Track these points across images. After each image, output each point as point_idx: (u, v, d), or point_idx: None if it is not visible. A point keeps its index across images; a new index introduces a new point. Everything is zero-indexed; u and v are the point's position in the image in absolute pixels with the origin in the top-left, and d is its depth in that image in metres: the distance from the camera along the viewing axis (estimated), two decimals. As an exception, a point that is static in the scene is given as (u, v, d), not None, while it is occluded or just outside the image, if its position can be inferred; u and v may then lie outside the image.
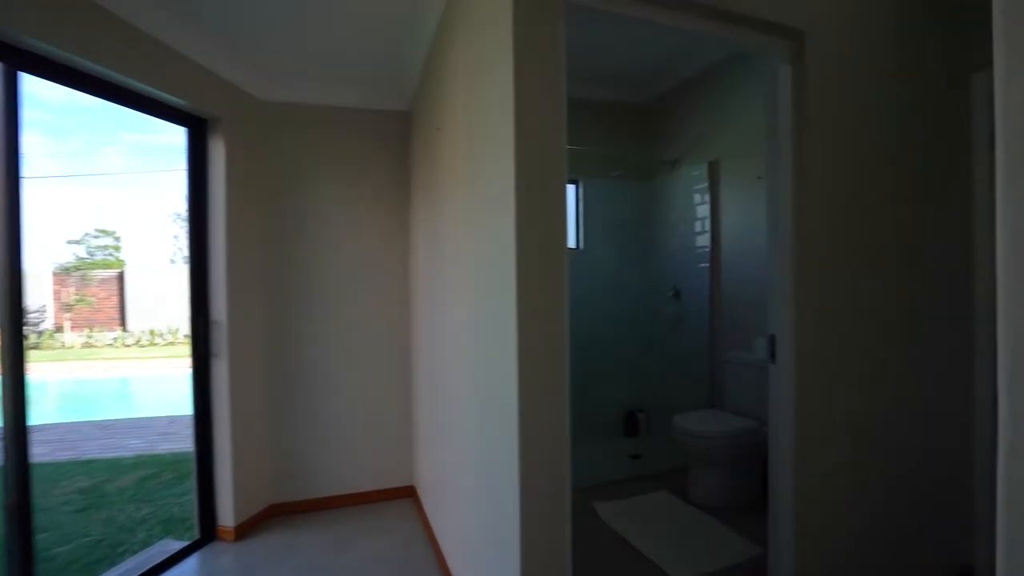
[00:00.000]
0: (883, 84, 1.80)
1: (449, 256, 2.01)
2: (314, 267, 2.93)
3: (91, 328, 12.28)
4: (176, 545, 2.48)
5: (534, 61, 1.30)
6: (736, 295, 3.12)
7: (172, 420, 5.93)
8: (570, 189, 3.86)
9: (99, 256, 15.69)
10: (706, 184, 3.32)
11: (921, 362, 1.90)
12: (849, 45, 1.73)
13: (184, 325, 10.86)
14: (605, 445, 3.69)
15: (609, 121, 3.90)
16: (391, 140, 3.07)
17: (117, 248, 16.10)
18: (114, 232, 16.09)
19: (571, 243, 3.84)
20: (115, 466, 4.26)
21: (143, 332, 12.39)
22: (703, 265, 3.37)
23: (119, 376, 9.17)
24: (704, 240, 3.36)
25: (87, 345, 11.79)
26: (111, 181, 19.21)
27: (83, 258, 15.43)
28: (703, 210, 3.37)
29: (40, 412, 6.38)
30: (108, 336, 12.21)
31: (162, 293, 12.71)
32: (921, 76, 1.90)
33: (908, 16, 1.87)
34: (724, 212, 3.22)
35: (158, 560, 2.31)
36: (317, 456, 2.94)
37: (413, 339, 3.00)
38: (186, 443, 4.40)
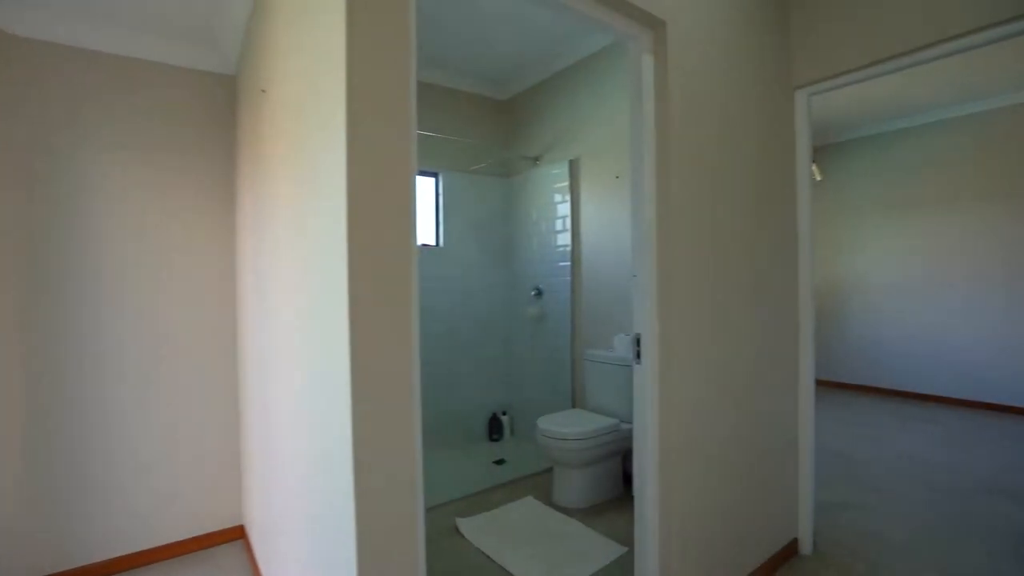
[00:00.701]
0: (733, 86, 1.86)
1: (275, 249, 1.64)
2: (98, 264, 2.25)
3: None
4: None
5: (373, 13, 1.03)
6: (596, 294, 3.15)
7: None
8: (429, 182, 3.61)
9: None
10: (567, 183, 3.32)
11: (762, 354, 2.01)
12: (705, 43, 1.75)
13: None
14: (468, 452, 3.51)
15: (472, 114, 3.73)
16: (213, 107, 2.50)
17: None
18: None
19: (430, 239, 3.60)
20: None
21: None
22: (564, 264, 3.36)
23: None
24: (565, 239, 3.36)
25: None
26: None
27: None
28: (564, 208, 3.36)
29: None
30: None
31: None
32: (763, 85, 2.02)
33: (751, 28, 1.97)
34: (584, 211, 3.24)
35: None
36: (101, 509, 2.26)
37: (241, 352, 2.49)
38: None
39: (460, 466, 3.27)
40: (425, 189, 3.59)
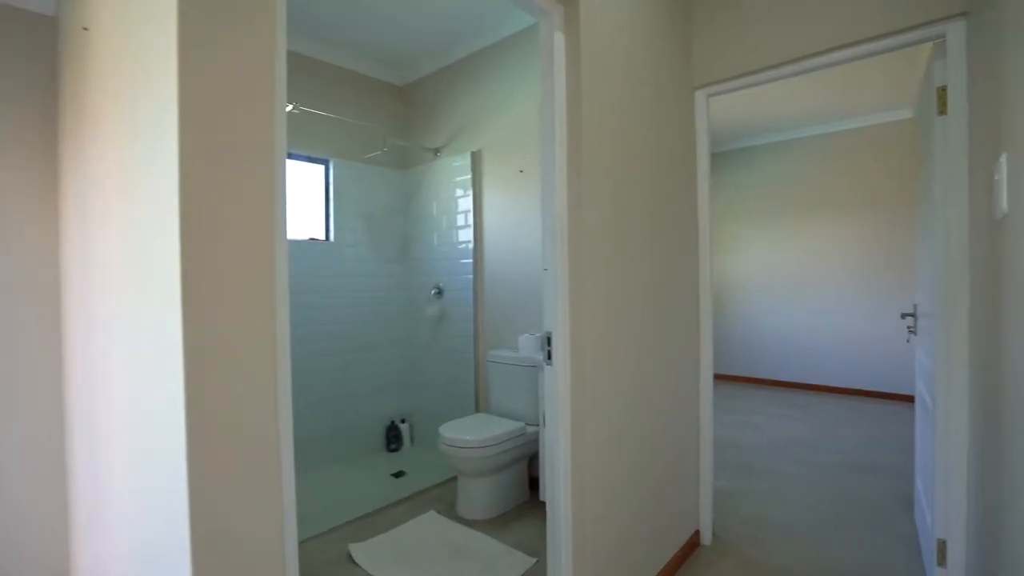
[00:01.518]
0: (641, 77, 1.82)
1: (101, 239, 1.28)
2: None
3: None
4: None
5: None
6: (500, 293, 3.03)
7: None
8: (317, 170, 3.25)
9: None
10: (469, 176, 3.16)
11: (669, 349, 2.00)
12: (616, 27, 1.68)
13: None
14: (363, 466, 3.21)
15: (369, 98, 3.43)
16: (27, 51, 1.97)
17: None
18: None
19: (318, 233, 3.24)
20: None
21: None
22: (466, 261, 3.19)
23: None
24: (467, 234, 3.19)
25: None
26: None
27: None
28: (465, 203, 3.20)
29: None
30: None
31: None
32: (667, 80, 2.01)
33: (658, 22, 1.95)
34: (487, 206, 3.10)
35: None
36: None
37: (68, 368, 1.99)
38: None
39: (354, 483, 2.97)
40: (312, 178, 3.23)
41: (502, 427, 2.55)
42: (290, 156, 3.07)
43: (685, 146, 2.18)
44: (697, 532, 2.23)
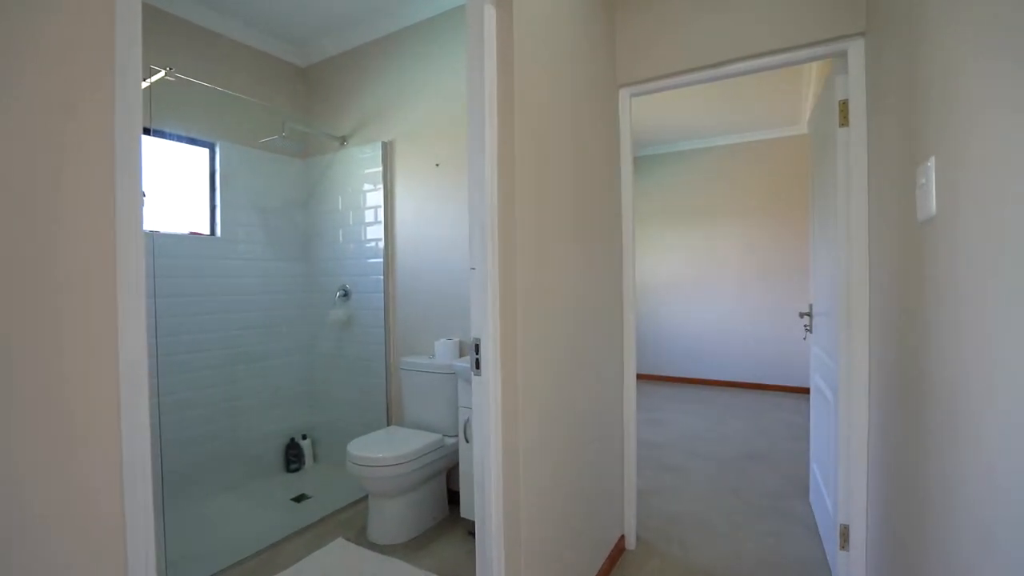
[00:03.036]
0: (570, 68, 1.74)
1: None
2: None
3: None
4: None
5: None
6: (414, 295, 2.82)
7: None
8: (200, 153, 2.83)
9: None
10: (379, 168, 2.92)
11: (597, 351, 1.95)
12: (548, 8, 1.58)
13: None
14: (259, 491, 2.84)
15: (265, 77, 3.05)
16: None
17: None
18: None
19: (202, 227, 2.83)
20: None
21: None
22: (375, 260, 2.95)
23: None
24: (376, 232, 2.95)
25: None
26: None
27: None
28: (375, 197, 2.95)
29: None
30: None
31: None
32: (595, 74, 1.95)
33: (587, 15, 1.88)
34: (400, 201, 2.88)
35: None
36: None
37: None
38: None
39: (248, 513, 2.60)
40: (193, 162, 2.80)
41: (418, 440, 2.36)
42: (162, 135, 2.63)
43: (609, 145, 2.14)
44: (623, 537, 2.20)
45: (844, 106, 1.82)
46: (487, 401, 1.39)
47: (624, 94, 2.20)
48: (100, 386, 0.67)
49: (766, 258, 5.29)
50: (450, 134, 2.66)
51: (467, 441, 2.30)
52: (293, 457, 3.13)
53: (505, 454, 1.43)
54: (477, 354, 1.40)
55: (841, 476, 1.82)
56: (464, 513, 2.32)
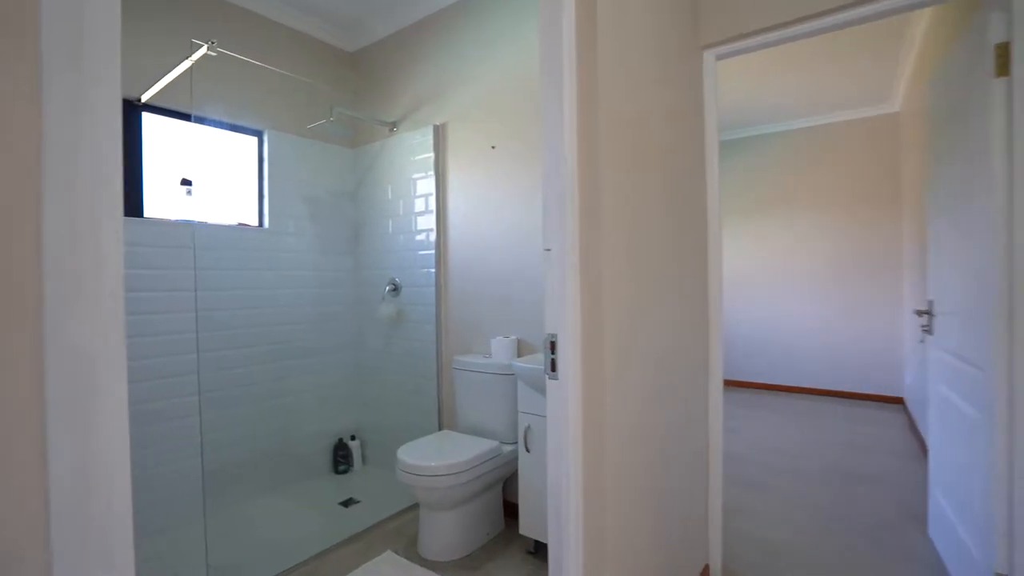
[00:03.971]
0: (650, 27, 1.47)
1: None
2: None
3: None
4: None
5: None
6: (469, 289, 2.62)
7: None
8: (249, 142, 2.73)
9: None
10: (431, 154, 2.73)
11: (684, 353, 1.67)
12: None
13: None
14: (306, 493, 2.71)
15: (313, 63, 2.93)
16: None
17: None
18: None
19: (250, 218, 2.73)
20: None
21: None
22: (427, 252, 2.76)
23: None
24: (428, 221, 2.76)
25: None
26: None
27: None
28: (426, 185, 2.77)
29: None
30: None
31: None
32: (677, 36, 1.67)
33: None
34: (453, 188, 2.68)
35: None
36: None
37: None
38: None
39: (294, 516, 2.47)
40: (241, 150, 2.70)
41: (473, 448, 2.14)
42: (203, 121, 2.54)
43: (694, 116, 1.85)
44: (707, 567, 1.91)
45: (1003, 50, 1.46)
46: (565, 410, 1.15)
47: (708, 57, 1.90)
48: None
49: (851, 251, 4.73)
50: (507, 113, 2.43)
51: (527, 451, 2.07)
52: (341, 458, 3.00)
53: (587, 474, 1.18)
54: (552, 353, 1.16)
55: (998, 514, 1.46)
56: (524, 530, 2.09)
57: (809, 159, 4.94)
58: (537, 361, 2.09)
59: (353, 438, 3.08)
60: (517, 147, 2.40)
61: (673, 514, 1.60)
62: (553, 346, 1.16)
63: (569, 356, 1.14)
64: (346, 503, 2.62)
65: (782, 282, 5.12)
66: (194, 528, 2.27)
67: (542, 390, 2.02)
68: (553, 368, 1.16)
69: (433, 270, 2.72)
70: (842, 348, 4.79)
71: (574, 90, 1.16)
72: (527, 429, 2.07)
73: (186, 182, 2.43)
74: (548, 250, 1.16)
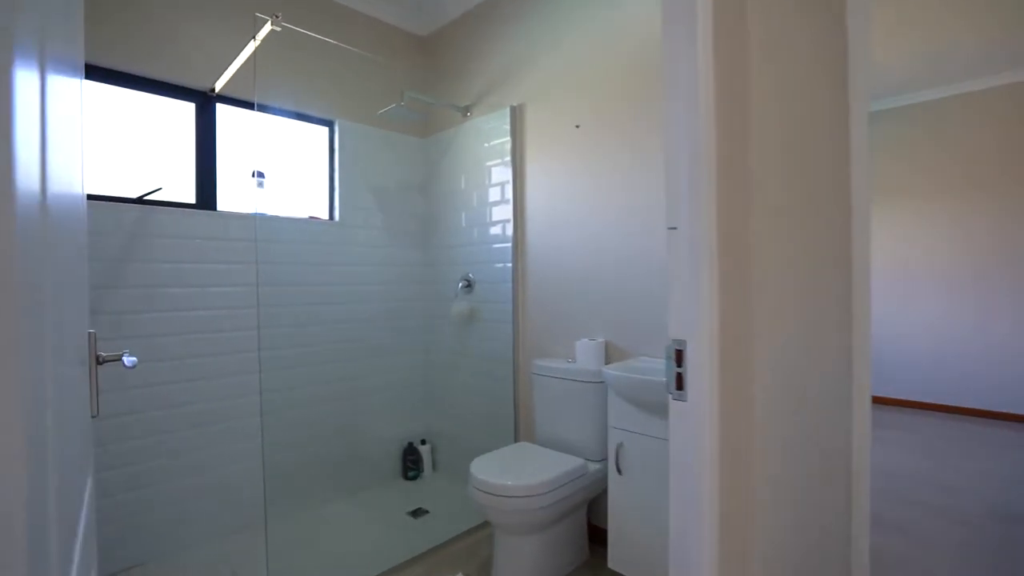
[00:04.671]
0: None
1: None
2: None
3: None
4: None
5: None
6: (549, 285, 2.36)
7: None
8: (320, 132, 2.63)
9: None
10: (507, 138, 2.50)
11: (829, 362, 1.31)
12: None
13: None
14: (375, 500, 2.58)
15: (383, 49, 2.80)
16: None
17: None
18: None
19: (321, 211, 2.63)
20: None
21: None
22: (502, 246, 2.53)
23: None
24: (504, 211, 2.53)
25: None
26: None
27: None
28: (501, 173, 2.54)
29: None
30: None
31: None
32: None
33: None
34: (531, 174, 2.43)
35: None
36: None
37: None
38: None
39: (360, 526, 2.34)
40: (315, 141, 2.62)
41: (555, 466, 1.88)
42: (277, 111, 2.45)
43: (831, 70, 1.48)
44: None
45: None
46: (696, 439, 0.85)
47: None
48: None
49: (1014, 246, 3.88)
50: (593, 88, 2.15)
51: (619, 472, 1.78)
52: (411, 463, 2.85)
53: (724, 521, 0.88)
54: (679, 366, 0.87)
55: None
56: (613, 563, 1.81)
57: (968, 132, 4.09)
58: (632, 369, 1.80)
59: (424, 442, 2.92)
60: (604, 125, 2.11)
61: (816, 565, 1.25)
62: (680, 356, 0.87)
63: (704, 370, 0.84)
64: (415, 513, 2.45)
65: (926, 279, 4.27)
66: (257, 533, 2.18)
67: (638, 403, 1.72)
68: (679, 385, 0.87)
69: (509, 264, 2.48)
70: (1010, 361, 3.91)
71: (709, 24, 0.86)
72: (619, 447, 1.78)
73: (258, 174, 2.36)
74: (673, 229, 0.87)
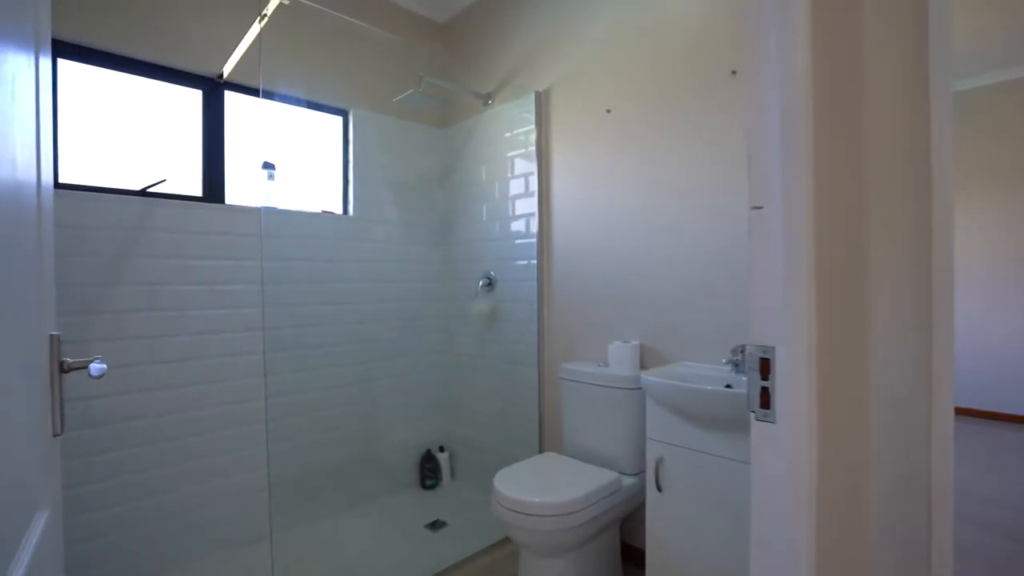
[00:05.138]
0: None
1: None
2: None
3: None
4: None
5: None
6: (577, 284, 2.19)
7: None
8: (334, 122, 2.50)
9: None
10: (532, 126, 2.33)
11: (907, 389, 1.12)
12: None
13: None
14: (391, 510, 2.44)
15: (401, 36, 2.66)
16: None
17: None
18: None
19: (334, 205, 2.50)
20: None
21: None
22: (526, 241, 2.37)
23: None
24: (528, 205, 2.37)
25: None
26: None
27: None
28: (525, 164, 2.38)
29: None
30: None
31: None
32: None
33: None
34: (557, 163, 2.27)
35: None
36: None
37: None
38: None
39: (376, 537, 2.19)
40: (328, 132, 2.48)
41: (587, 480, 1.71)
42: (287, 99, 2.32)
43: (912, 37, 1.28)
44: None
45: None
46: (788, 473, 0.68)
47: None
48: None
49: None
50: (626, 70, 1.98)
51: (659, 490, 1.60)
52: (429, 471, 2.70)
53: (823, 565, 0.70)
54: (765, 379, 0.69)
55: None
56: (650, 589, 1.63)
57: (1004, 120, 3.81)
58: (674, 375, 1.62)
59: (442, 449, 2.77)
60: (637, 109, 1.94)
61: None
62: (766, 367, 0.69)
63: (799, 385, 0.67)
64: (433, 525, 2.30)
65: (1004, 275, 3.83)
66: (264, 546, 2.05)
67: (684, 414, 1.54)
68: (765, 403, 0.70)
69: (534, 261, 2.32)
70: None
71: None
72: (659, 462, 1.60)
73: (268, 165, 2.23)
74: (758, 208, 0.70)
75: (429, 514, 2.39)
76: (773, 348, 0.68)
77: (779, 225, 0.68)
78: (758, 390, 0.70)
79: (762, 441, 0.70)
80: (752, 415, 0.71)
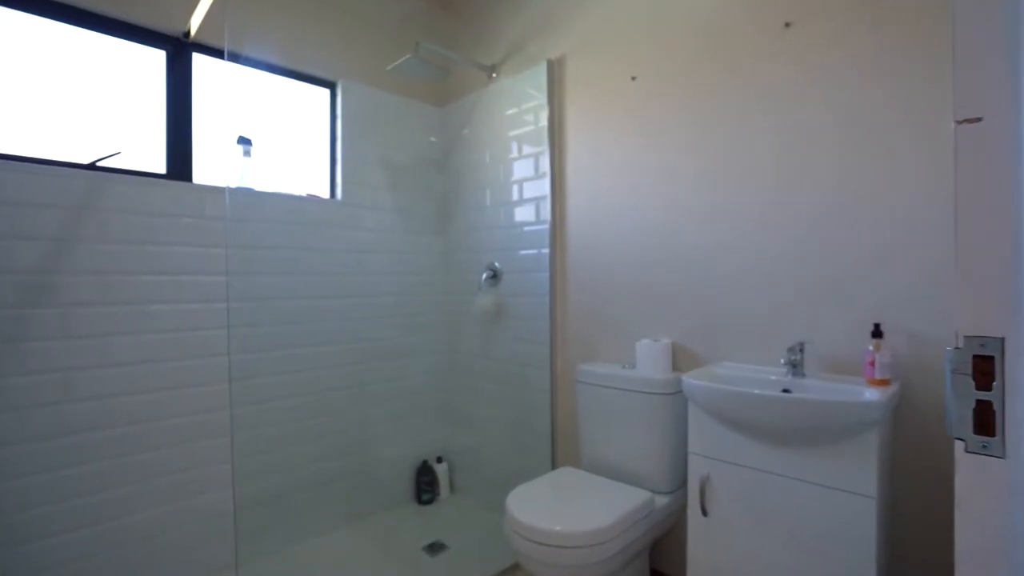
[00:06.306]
0: None
1: None
2: None
3: None
4: None
5: None
6: (594, 273, 1.94)
7: None
8: (321, 94, 2.24)
9: None
10: (543, 99, 2.08)
11: None
12: None
13: None
14: (383, 530, 2.17)
15: (391, 5, 2.40)
16: None
17: None
18: None
19: (320, 189, 2.23)
20: None
21: None
22: (536, 228, 2.12)
23: None
24: (539, 188, 2.11)
25: None
26: None
27: None
28: (537, 140, 2.12)
29: None
30: None
31: None
32: None
33: None
34: (572, 139, 2.02)
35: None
36: None
37: None
38: None
39: (368, 560, 1.92)
40: (315, 106, 2.21)
41: (619, 502, 1.46)
42: (268, 68, 2.05)
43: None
44: None
45: None
46: None
47: None
48: None
49: None
50: (654, 31, 1.74)
51: (704, 514, 1.36)
52: (426, 485, 2.43)
53: None
54: (982, 387, 0.45)
55: None
56: (693, 630, 1.38)
57: None
58: (719, 378, 1.38)
59: (440, 460, 2.51)
60: (667, 74, 1.70)
61: None
62: (986, 370, 0.45)
63: (1054, 398, 0.42)
64: (431, 548, 2.04)
65: None
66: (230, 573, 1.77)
67: (738, 424, 1.30)
68: (986, 425, 0.45)
69: (546, 250, 2.07)
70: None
71: None
72: (704, 480, 1.36)
73: (244, 140, 1.95)
74: (973, 121, 0.45)
75: (426, 534, 2.13)
76: (1001, 340, 0.44)
77: (1010, 144, 0.43)
78: (971, 405, 0.45)
79: (978, 483, 0.45)
80: (958, 443, 0.46)
